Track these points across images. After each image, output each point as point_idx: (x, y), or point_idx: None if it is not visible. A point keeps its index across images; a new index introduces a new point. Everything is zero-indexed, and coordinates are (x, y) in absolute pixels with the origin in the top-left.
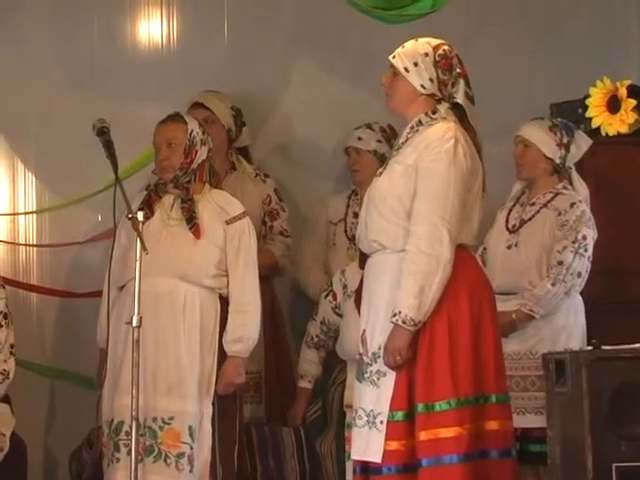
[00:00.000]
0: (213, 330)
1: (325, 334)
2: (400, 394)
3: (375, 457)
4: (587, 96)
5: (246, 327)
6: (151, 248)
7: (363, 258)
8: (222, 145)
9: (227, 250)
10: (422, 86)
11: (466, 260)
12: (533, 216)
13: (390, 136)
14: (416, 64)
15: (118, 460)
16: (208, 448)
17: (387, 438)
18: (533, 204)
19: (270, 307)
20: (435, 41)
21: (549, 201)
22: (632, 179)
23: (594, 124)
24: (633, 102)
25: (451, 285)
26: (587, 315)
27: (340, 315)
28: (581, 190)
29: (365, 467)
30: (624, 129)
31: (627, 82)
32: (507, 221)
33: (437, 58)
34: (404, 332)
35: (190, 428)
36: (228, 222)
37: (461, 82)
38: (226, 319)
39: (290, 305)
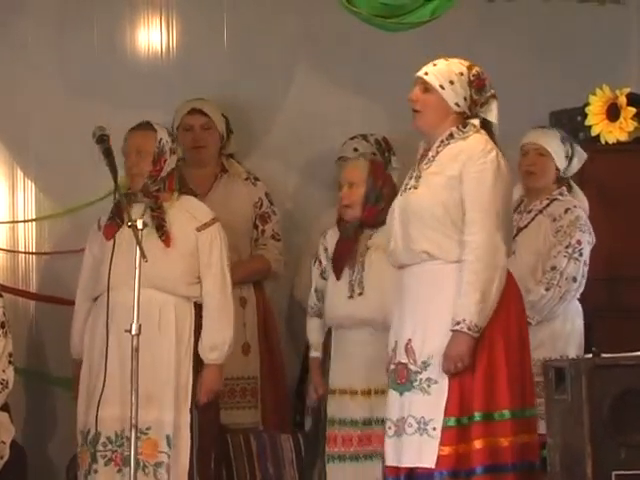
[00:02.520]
0: (188, 338)
1: (321, 301)
2: (453, 401)
3: (429, 462)
4: (587, 104)
5: (220, 334)
6: (123, 258)
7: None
8: (216, 151)
9: (199, 257)
10: (456, 104)
11: (508, 272)
12: (529, 223)
13: (384, 149)
14: (452, 82)
15: (96, 471)
16: (186, 456)
17: (441, 443)
18: (530, 211)
19: (263, 313)
20: (466, 62)
21: (545, 207)
22: (632, 187)
23: (594, 132)
24: (633, 110)
25: (502, 296)
26: (587, 322)
27: (326, 279)
28: (582, 198)
29: (406, 476)
30: (623, 137)
31: (626, 90)
32: None
33: (471, 78)
34: (468, 339)
35: (167, 437)
36: (199, 229)
37: (494, 103)
38: (200, 326)
39: (285, 310)
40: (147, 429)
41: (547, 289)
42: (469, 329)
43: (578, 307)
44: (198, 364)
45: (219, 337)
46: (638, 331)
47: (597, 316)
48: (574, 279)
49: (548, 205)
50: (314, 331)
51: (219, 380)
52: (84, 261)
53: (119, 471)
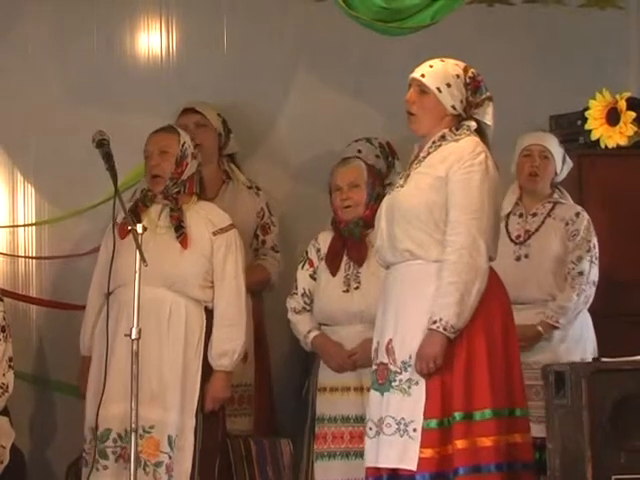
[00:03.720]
0: (198, 342)
1: (309, 305)
2: (433, 402)
3: (411, 465)
4: (586, 108)
5: (232, 342)
6: (135, 257)
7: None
8: (214, 150)
9: (213, 261)
10: (453, 107)
11: (492, 273)
12: (539, 227)
13: (388, 153)
14: (449, 85)
15: (106, 467)
16: (190, 460)
17: (421, 445)
18: (534, 214)
19: (257, 321)
20: (462, 63)
21: (550, 211)
22: (631, 191)
23: (593, 136)
24: (632, 114)
25: (484, 297)
26: None
27: (316, 280)
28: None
29: (382, 477)
30: (623, 141)
31: (626, 94)
32: (508, 232)
33: (467, 80)
34: (442, 339)
35: (169, 438)
36: (215, 233)
37: (490, 105)
38: (211, 332)
39: (278, 320)
40: (150, 427)
41: (578, 294)
42: (445, 329)
43: (588, 315)
44: (207, 370)
45: (230, 344)
46: (637, 336)
47: (596, 321)
48: (594, 283)
49: (553, 208)
50: (304, 321)
51: (226, 388)
52: (99, 257)
53: (126, 468)
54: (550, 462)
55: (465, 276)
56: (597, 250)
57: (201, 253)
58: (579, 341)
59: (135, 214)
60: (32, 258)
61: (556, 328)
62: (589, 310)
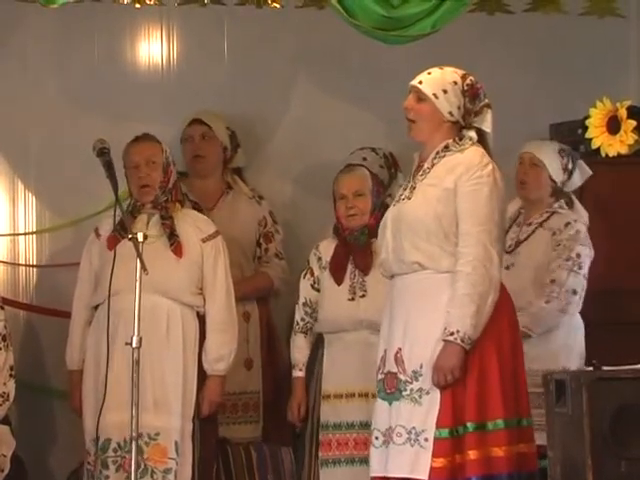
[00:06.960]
0: (194, 348)
1: (310, 315)
2: (446, 412)
3: (422, 474)
4: (587, 117)
5: (226, 346)
6: (127, 265)
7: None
8: (218, 162)
9: (203, 268)
10: (450, 113)
11: (501, 284)
12: (529, 236)
13: (391, 164)
14: (445, 91)
15: (107, 477)
16: (189, 465)
17: (433, 455)
18: (530, 224)
19: (266, 327)
20: (460, 71)
21: (544, 221)
22: (632, 200)
23: (594, 145)
24: (633, 123)
25: (494, 307)
26: (586, 335)
27: (319, 290)
28: (582, 213)
29: None
30: (624, 150)
31: (627, 103)
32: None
33: (465, 87)
34: (459, 351)
35: (176, 444)
36: (204, 240)
37: (489, 112)
38: (203, 337)
39: (287, 326)
40: (156, 435)
41: (547, 302)
42: (462, 341)
43: (579, 320)
44: (200, 375)
45: (225, 348)
46: (636, 344)
47: (595, 329)
48: (574, 292)
49: (548, 218)
50: (300, 349)
51: (222, 392)
52: (81, 270)
53: (127, 477)
54: (551, 470)
55: (480, 287)
56: (583, 260)
57: (191, 260)
58: (561, 349)
59: (122, 225)
60: (33, 266)
61: (529, 336)
62: (588, 318)
